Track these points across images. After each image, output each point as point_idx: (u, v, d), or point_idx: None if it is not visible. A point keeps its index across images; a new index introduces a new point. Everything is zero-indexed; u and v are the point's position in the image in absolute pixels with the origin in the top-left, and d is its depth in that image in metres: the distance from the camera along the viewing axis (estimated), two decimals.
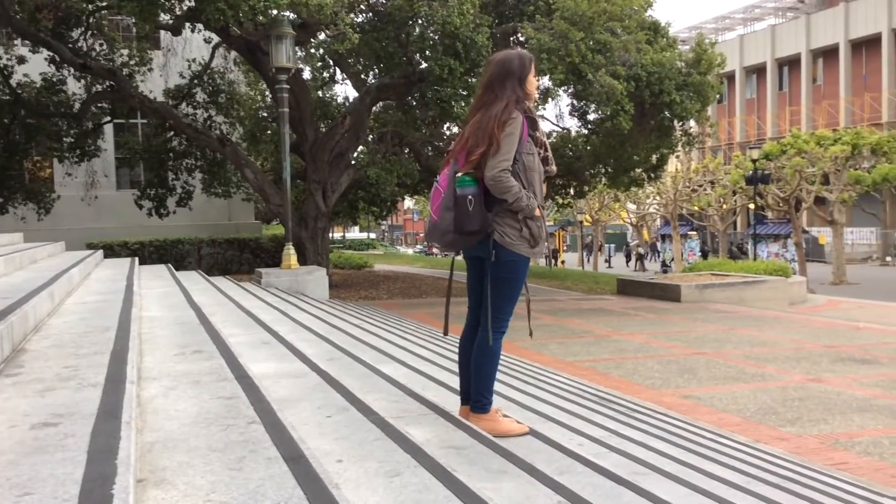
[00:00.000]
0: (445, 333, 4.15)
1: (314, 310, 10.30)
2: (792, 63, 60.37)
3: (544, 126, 22.89)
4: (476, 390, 3.79)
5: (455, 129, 20.45)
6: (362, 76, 18.71)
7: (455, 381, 6.00)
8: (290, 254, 13.78)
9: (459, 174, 3.46)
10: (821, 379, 8.77)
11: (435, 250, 61.72)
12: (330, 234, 22.18)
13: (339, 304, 13.71)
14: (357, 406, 4.02)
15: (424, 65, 15.54)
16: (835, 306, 20.26)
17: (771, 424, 6.68)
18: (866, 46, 54.54)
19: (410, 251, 73.17)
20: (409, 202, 71.27)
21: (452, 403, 4.78)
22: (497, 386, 6.35)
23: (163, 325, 5.77)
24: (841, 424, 6.69)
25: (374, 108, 19.59)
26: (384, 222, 79.11)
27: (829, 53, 57.19)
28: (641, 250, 48.83)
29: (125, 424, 2.67)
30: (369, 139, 19.87)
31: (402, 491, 2.73)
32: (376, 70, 17.52)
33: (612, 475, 3.56)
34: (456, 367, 7.03)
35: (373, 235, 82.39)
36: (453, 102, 14.70)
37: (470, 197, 3.37)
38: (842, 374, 9.03)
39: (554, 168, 3.68)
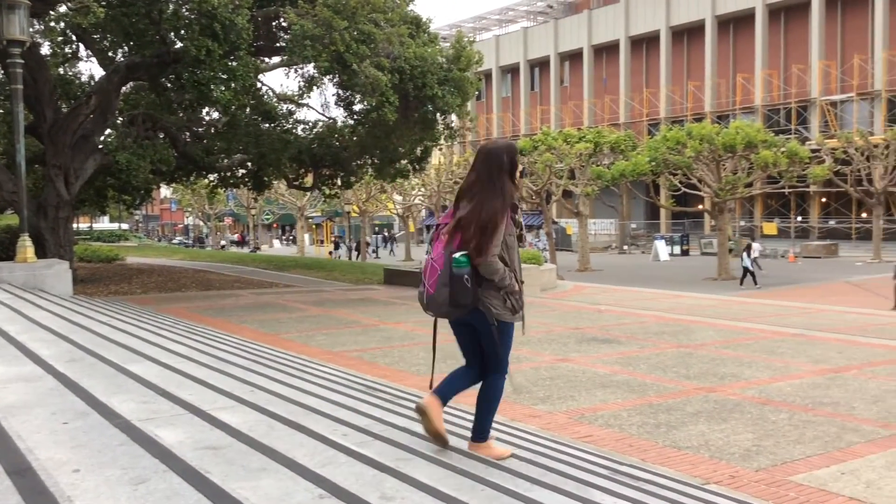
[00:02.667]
0: (431, 388, 4.36)
1: (54, 307, 9.38)
2: (542, 65, 64.67)
3: (310, 115, 22.56)
4: (481, 422, 4.29)
5: (215, 114, 19.59)
6: (110, 54, 17.30)
7: (214, 377, 5.70)
8: (25, 246, 12.44)
9: (457, 255, 3.89)
10: (568, 359, 9.42)
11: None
12: (74, 225, 20.36)
13: (84, 301, 12.62)
14: (100, 410, 3.67)
15: (180, 44, 14.68)
16: (580, 291, 21.97)
17: (525, 403, 7.05)
18: (607, 52, 59.72)
19: (170, 242, 69.39)
20: (165, 191, 67.37)
21: (210, 402, 4.53)
22: (260, 380, 6.14)
23: None
24: (586, 400, 7.22)
25: (123, 88, 18.21)
26: (138, 212, 74.34)
27: (575, 57, 61.95)
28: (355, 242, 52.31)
29: None
30: (119, 122, 18.46)
31: (148, 498, 2.51)
32: (126, 48, 16.27)
33: (375, 463, 3.54)
34: (216, 364, 6.70)
35: (125, 226, 77.10)
36: (212, 86, 13.99)
37: (466, 276, 3.86)
38: (586, 354, 9.77)
39: (525, 244, 3.94)
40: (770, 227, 48.37)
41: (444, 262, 3.93)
